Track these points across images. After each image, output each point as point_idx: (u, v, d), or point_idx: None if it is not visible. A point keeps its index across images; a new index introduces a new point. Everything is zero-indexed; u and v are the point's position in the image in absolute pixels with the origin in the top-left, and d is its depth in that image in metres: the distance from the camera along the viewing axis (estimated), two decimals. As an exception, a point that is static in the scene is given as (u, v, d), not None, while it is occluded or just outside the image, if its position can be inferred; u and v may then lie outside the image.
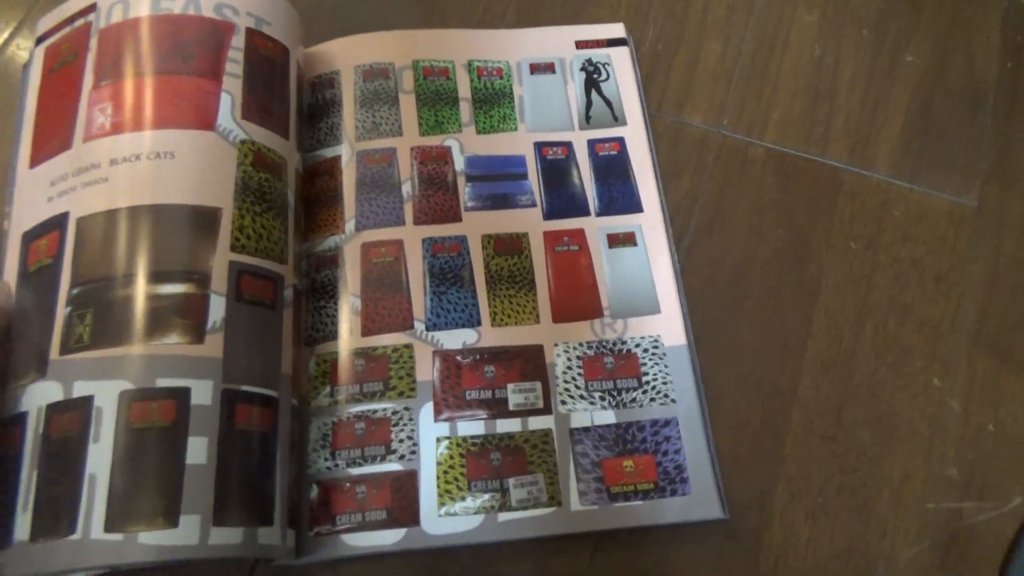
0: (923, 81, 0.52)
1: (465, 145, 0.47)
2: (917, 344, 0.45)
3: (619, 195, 0.47)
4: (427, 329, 0.43)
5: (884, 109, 0.51)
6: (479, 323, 0.43)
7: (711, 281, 0.46)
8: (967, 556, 0.40)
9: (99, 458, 0.32)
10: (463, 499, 0.39)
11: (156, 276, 0.35)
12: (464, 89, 0.49)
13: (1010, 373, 0.44)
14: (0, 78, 0.50)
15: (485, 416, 0.41)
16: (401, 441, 0.40)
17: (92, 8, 0.41)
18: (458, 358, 0.42)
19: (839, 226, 0.47)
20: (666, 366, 0.42)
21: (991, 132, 0.50)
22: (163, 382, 0.33)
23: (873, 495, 0.41)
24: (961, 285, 0.46)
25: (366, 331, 0.42)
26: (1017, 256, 0.47)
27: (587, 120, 0.49)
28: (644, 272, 0.45)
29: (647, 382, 0.42)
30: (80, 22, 0.41)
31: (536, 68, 0.50)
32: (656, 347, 0.43)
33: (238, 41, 0.40)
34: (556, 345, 0.43)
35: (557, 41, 0.51)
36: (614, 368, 0.42)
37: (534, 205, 0.46)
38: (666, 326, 0.43)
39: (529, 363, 0.42)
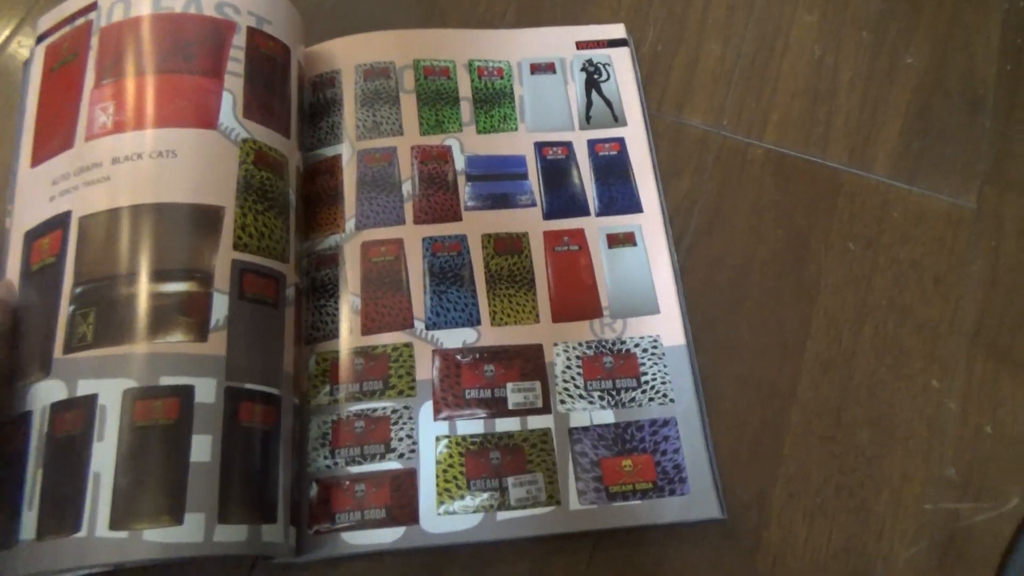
0: (923, 82, 0.52)
1: (465, 145, 0.48)
2: (916, 345, 0.45)
3: (619, 195, 0.47)
4: (427, 328, 0.43)
5: (883, 110, 0.51)
6: (479, 322, 0.43)
7: (710, 281, 0.46)
8: (964, 557, 0.40)
9: (103, 456, 0.32)
10: (462, 498, 0.39)
11: (159, 274, 0.35)
12: (465, 89, 0.49)
13: (1008, 374, 0.44)
14: (1, 76, 0.50)
15: (484, 415, 0.41)
16: (400, 440, 0.40)
17: (93, 7, 0.41)
18: (458, 357, 0.42)
19: (838, 227, 0.48)
20: (665, 366, 0.43)
21: (990, 134, 0.50)
22: (166, 380, 0.34)
23: (871, 495, 0.41)
24: (960, 286, 0.46)
25: (366, 330, 0.42)
26: (1016, 257, 0.47)
27: (587, 120, 0.49)
28: (644, 272, 0.45)
29: (646, 382, 0.42)
30: (80, 21, 0.41)
31: (537, 68, 0.50)
32: (655, 347, 0.43)
33: (239, 40, 0.41)
34: (555, 345, 0.43)
35: (558, 41, 0.51)
36: (613, 368, 0.42)
37: (534, 205, 0.46)
38: (665, 326, 0.44)
39: (528, 362, 0.42)
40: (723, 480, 0.41)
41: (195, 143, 0.37)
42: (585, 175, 0.47)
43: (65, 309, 0.35)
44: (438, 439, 0.41)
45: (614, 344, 0.43)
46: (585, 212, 0.46)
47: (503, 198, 0.46)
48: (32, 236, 0.38)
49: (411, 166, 0.47)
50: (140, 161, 0.37)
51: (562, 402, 0.42)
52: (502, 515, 0.39)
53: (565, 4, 0.54)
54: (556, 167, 0.47)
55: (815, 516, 0.41)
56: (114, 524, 0.31)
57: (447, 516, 0.39)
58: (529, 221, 0.46)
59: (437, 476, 0.40)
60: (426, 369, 0.42)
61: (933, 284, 0.46)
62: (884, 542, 0.41)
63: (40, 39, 0.43)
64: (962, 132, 0.50)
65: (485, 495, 0.39)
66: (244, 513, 0.34)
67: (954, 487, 0.42)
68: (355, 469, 0.40)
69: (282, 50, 0.43)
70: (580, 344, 0.43)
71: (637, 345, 0.43)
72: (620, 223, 0.46)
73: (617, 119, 0.49)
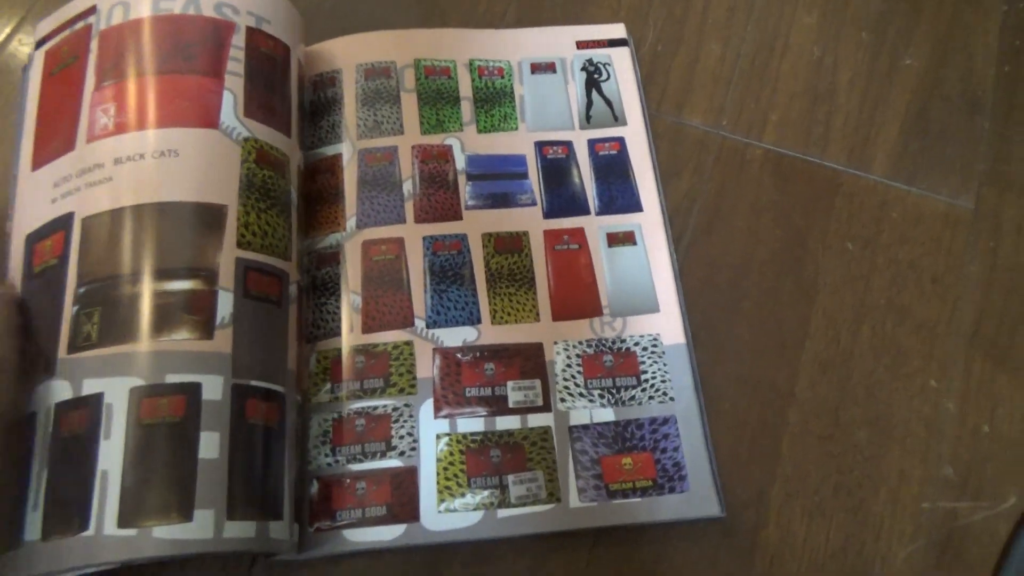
0: (922, 83, 0.52)
1: (466, 144, 0.48)
2: (914, 345, 0.45)
3: (619, 194, 0.47)
4: (427, 326, 0.43)
5: (883, 111, 0.51)
6: (479, 321, 0.43)
7: (709, 281, 0.46)
8: (962, 556, 0.40)
9: (111, 455, 0.32)
10: (463, 495, 0.39)
11: (164, 273, 0.35)
12: (465, 88, 0.49)
13: (1006, 374, 0.44)
14: (1, 76, 0.50)
15: (485, 413, 0.41)
16: (401, 437, 0.41)
17: (92, 11, 0.41)
18: (458, 355, 0.42)
19: (837, 227, 0.48)
20: (665, 364, 0.43)
21: (989, 135, 0.51)
22: (173, 378, 0.34)
23: (869, 495, 0.42)
24: (958, 287, 0.46)
25: (367, 328, 0.43)
26: (1014, 258, 0.47)
27: (587, 120, 0.49)
28: (643, 271, 0.45)
29: (646, 380, 0.42)
30: (80, 25, 0.41)
31: (537, 68, 0.50)
32: (655, 345, 0.43)
33: (239, 40, 0.41)
34: (556, 343, 0.43)
35: (558, 41, 0.51)
36: (613, 366, 0.43)
37: (534, 204, 0.47)
38: (665, 325, 0.44)
39: (529, 361, 0.43)
40: (722, 479, 0.41)
41: (197, 142, 0.38)
42: (585, 174, 0.48)
43: (69, 309, 0.35)
44: (439, 437, 0.41)
45: (614, 342, 0.43)
46: (585, 211, 0.47)
47: (503, 197, 0.46)
48: (34, 238, 0.38)
49: (412, 165, 0.47)
50: (142, 161, 0.37)
51: (562, 400, 0.42)
52: (502, 513, 0.39)
53: (565, 4, 0.54)
54: (556, 166, 0.48)
55: (813, 515, 0.41)
56: (123, 522, 0.31)
57: (448, 514, 0.39)
58: (529, 220, 0.46)
59: (438, 474, 0.40)
60: (427, 367, 0.42)
61: (931, 284, 0.46)
62: (882, 541, 0.41)
63: (39, 44, 0.43)
64: (961, 133, 0.51)
65: (485, 493, 0.39)
66: (252, 510, 0.34)
67: (952, 486, 0.42)
68: (356, 467, 0.40)
69: (282, 49, 0.43)
70: (580, 342, 0.43)
71: (637, 344, 0.43)
72: (620, 222, 0.46)
73: (617, 119, 0.49)
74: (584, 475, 0.40)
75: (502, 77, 0.50)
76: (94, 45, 0.40)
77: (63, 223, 0.37)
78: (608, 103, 0.50)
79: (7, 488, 0.33)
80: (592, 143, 0.48)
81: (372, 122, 0.47)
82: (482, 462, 0.40)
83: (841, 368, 0.44)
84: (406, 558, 0.40)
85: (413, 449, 0.40)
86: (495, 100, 0.49)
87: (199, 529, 0.32)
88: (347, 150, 0.47)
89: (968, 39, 0.53)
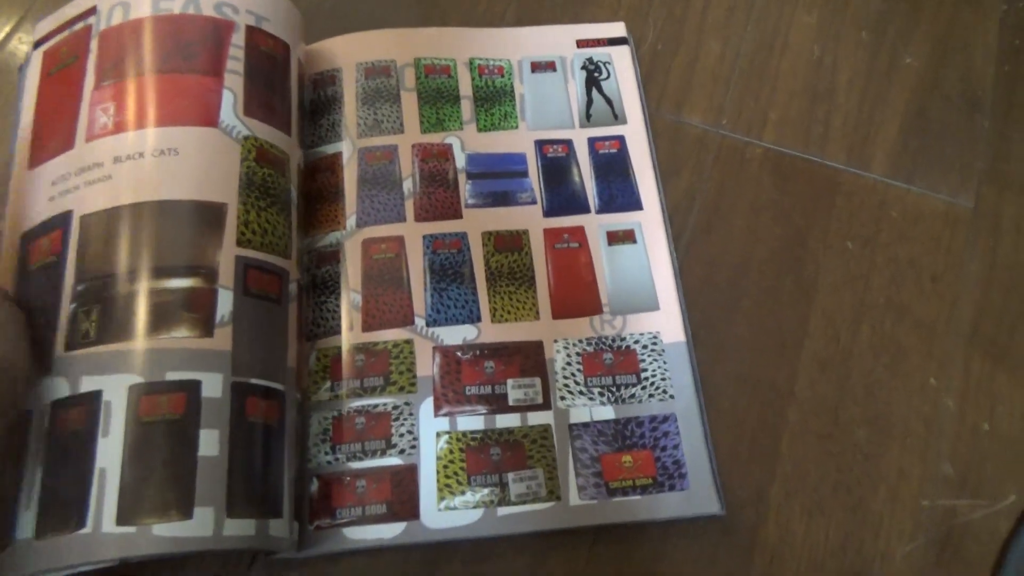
0: (921, 82, 0.52)
1: (466, 143, 0.48)
2: (913, 344, 0.45)
3: (619, 192, 0.47)
4: (427, 325, 0.43)
5: (882, 110, 0.51)
6: (479, 319, 0.43)
7: (709, 280, 0.46)
8: (961, 553, 0.41)
9: (109, 452, 0.32)
10: (463, 493, 0.39)
11: (164, 271, 0.35)
12: (465, 87, 0.49)
13: (1005, 372, 0.44)
14: (1, 75, 0.50)
15: (485, 411, 0.41)
16: (401, 436, 0.41)
17: (92, 11, 0.41)
18: (458, 354, 0.42)
19: (836, 226, 0.48)
20: (665, 362, 0.43)
21: (988, 134, 0.51)
22: (172, 375, 0.34)
23: (869, 493, 0.42)
24: (957, 285, 0.46)
25: (367, 326, 0.43)
26: (1013, 257, 0.47)
27: (587, 118, 0.49)
28: (643, 269, 0.45)
29: (646, 378, 0.42)
30: (80, 25, 0.41)
31: (537, 66, 0.50)
32: (655, 343, 0.43)
33: (238, 39, 0.41)
34: (556, 341, 0.43)
35: (558, 40, 0.51)
36: (613, 364, 0.43)
37: (534, 202, 0.47)
38: (665, 323, 0.44)
39: (529, 359, 0.43)
40: (721, 477, 0.41)
41: (197, 141, 0.38)
42: (585, 173, 0.48)
43: (67, 307, 0.35)
44: (439, 435, 0.41)
45: (614, 340, 0.43)
46: (585, 209, 0.47)
47: (503, 196, 0.47)
48: (30, 237, 0.38)
49: (412, 164, 0.47)
50: (142, 160, 0.37)
51: (562, 398, 0.42)
52: (502, 510, 0.39)
53: (565, 3, 0.54)
54: (556, 165, 0.48)
55: (813, 513, 0.41)
56: (121, 519, 0.31)
57: (448, 512, 0.39)
58: (529, 218, 0.46)
59: (438, 472, 0.40)
60: (427, 365, 0.42)
61: (931, 283, 0.46)
62: (881, 539, 0.41)
63: (37, 44, 0.43)
64: (960, 132, 0.51)
65: (485, 491, 0.39)
66: (251, 507, 0.34)
67: (951, 484, 0.42)
68: (356, 465, 0.40)
69: (282, 48, 0.43)
70: (580, 340, 0.43)
71: (637, 342, 0.43)
72: (620, 220, 0.46)
73: (617, 117, 0.49)
74: (584, 473, 0.40)
75: (502, 76, 0.50)
76: (94, 45, 0.40)
77: (61, 221, 0.37)
78: (608, 102, 0.50)
79: (5, 487, 0.33)
80: (592, 141, 0.48)
81: (372, 121, 0.47)
82: (482, 460, 0.40)
83: (840, 366, 0.44)
84: (406, 556, 0.40)
85: (413, 447, 0.40)
86: (495, 99, 0.49)
87: (199, 527, 0.32)
88: (347, 149, 0.47)
89: (968, 38, 0.53)
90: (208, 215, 0.37)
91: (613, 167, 0.48)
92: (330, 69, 0.49)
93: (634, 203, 0.47)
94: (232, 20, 0.41)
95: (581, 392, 0.42)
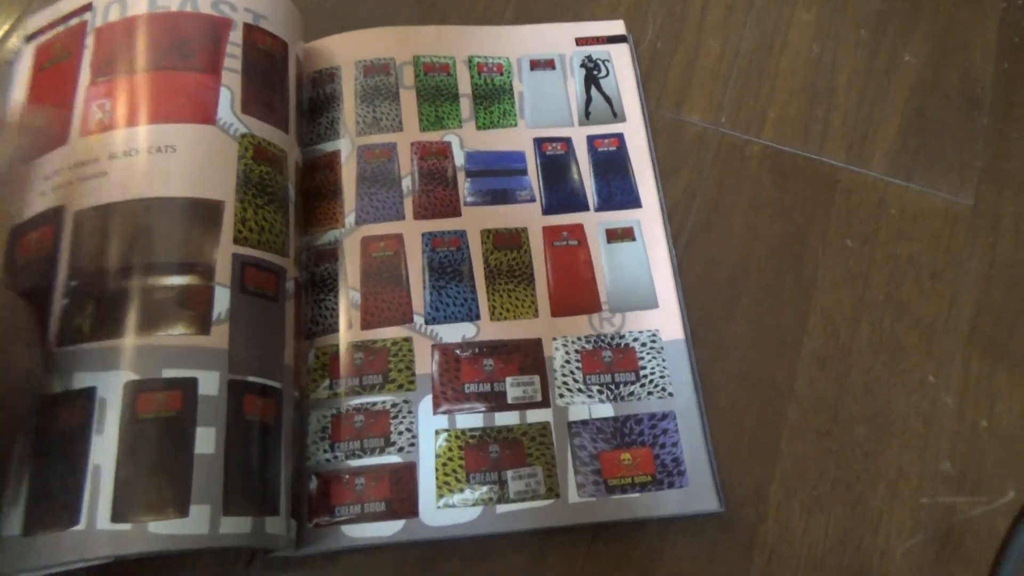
0: (920, 81, 0.52)
1: (465, 141, 0.48)
2: (912, 341, 0.45)
3: (618, 190, 0.47)
4: (426, 323, 0.43)
5: (881, 108, 0.51)
6: (478, 317, 0.43)
7: (708, 278, 0.46)
8: (960, 550, 0.41)
9: (104, 449, 0.32)
10: (462, 491, 0.39)
11: (160, 268, 0.35)
12: (464, 85, 0.49)
13: (1004, 370, 0.44)
14: (0, 74, 0.50)
15: (484, 409, 0.41)
16: (400, 433, 0.41)
17: (88, 7, 0.41)
18: (457, 352, 0.42)
19: (836, 224, 0.48)
20: (664, 360, 0.43)
21: (987, 132, 0.51)
22: (169, 373, 0.34)
23: (868, 490, 0.42)
24: (956, 283, 0.46)
25: (366, 324, 0.43)
26: (1012, 255, 0.47)
27: (587, 116, 0.49)
28: (642, 267, 0.45)
29: (645, 376, 0.42)
30: (75, 21, 0.41)
31: (536, 64, 0.50)
32: (654, 341, 0.43)
33: (236, 36, 0.41)
34: (555, 339, 0.43)
35: (557, 38, 0.51)
36: (612, 362, 0.43)
37: (533, 200, 0.47)
38: (664, 321, 0.44)
39: (528, 357, 0.43)
40: (721, 475, 0.41)
41: (193, 138, 0.38)
42: (584, 170, 0.48)
43: (59, 302, 0.35)
44: (437, 433, 0.41)
45: (613, 338, 0.43)
46: (584, 207, 0.47)
47: (502, 194, 0.47)
48: (19, 231, 0.38)
49: (411, 162, 0.47)
50: (137, 156, 0.37)
51: (561, 396, 0.42)
52: (501, 508, 0.39)
53: (564, 1, 0.54)
54: (555, 163, 0.48)
55: (812, 510, 0.41)
56: (116, 516, 0.31)
57: (446, 509, 0.39)
58: (528, 216, 0.46)
59: (437, 469, 0.40)
60: (425, 363, 0.42)
61: (930, 280, 0.46)
62: (881, 536, 0.41)
63: (30, 38, 0.43)
64: (959, 130, 0.51)
65: (484, 488, 0.39)
66: (248, 505, 0.34)
67: (950, 481, 0.42)
68: (355, 463, 0.40)
69: (280, 46, 0.43)
70: (579, 338, 0.43)
71: (636, 339, 0.43)
72: (619, 218, 0.46)
73: (616, 115, 0.49)
74: (583, 470, 0.40)
75: (501, 74, 0.50)
76: (89, 41, 0.40)
77: (52, 216, 0.37)
78: (607, 99, 0.50)
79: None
80: (591, 139, 0.48)
81: (371, 118, 0.47)
82: (481, 458, 0.40)
83: (840, 364, 0.44)
84: (405, 554, 0.40)
85: (412, 445, 0.40)
86: (494, 97, 0.49)
87: (195, 524, 0.32)
88: (346, 146, 0.47)
89: (967, 36, 0.53)
90: (205, 212, 0.37)
91: (612, 165, 0.48)
92: (329, 67, 0.49)
93: (633, 201, 0.47)
94: (230, 18, 0.41)
95: (580, 390, 0.42)
